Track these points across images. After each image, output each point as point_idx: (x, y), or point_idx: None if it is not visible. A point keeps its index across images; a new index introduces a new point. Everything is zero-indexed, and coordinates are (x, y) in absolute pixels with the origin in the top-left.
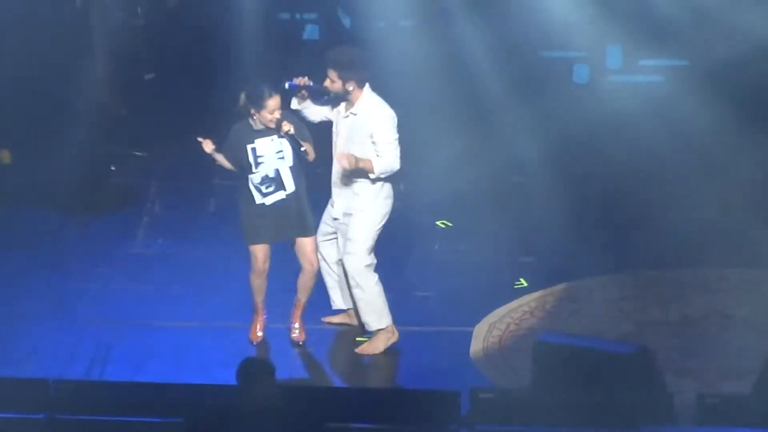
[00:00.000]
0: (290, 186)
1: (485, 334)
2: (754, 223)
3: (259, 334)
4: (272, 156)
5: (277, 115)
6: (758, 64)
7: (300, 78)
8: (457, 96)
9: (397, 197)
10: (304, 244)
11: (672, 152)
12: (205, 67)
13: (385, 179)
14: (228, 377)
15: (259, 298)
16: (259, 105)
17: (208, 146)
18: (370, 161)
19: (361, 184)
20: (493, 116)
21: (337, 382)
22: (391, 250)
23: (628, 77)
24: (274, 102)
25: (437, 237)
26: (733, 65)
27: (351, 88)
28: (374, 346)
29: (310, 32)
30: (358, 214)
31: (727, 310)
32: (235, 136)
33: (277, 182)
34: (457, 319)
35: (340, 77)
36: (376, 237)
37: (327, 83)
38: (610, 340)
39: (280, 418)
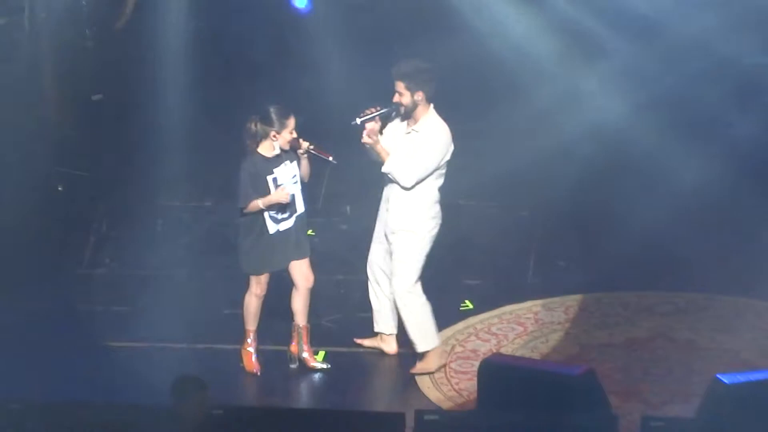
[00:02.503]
0: (301, 208)
1: None
2: (701, 246)
3: (256, 363)
4: (290, 182)
5: (295, 134)
6: None
7: (369, 109)
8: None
9: (344, 220)
10: (301, 264)
11: (616, 175)
12: (151, 88)
13: (433, 201)
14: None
15: (254, 326)
16: (283, 124)
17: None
18: (388, 153)
19: (408, 202)
20: None
21: (283, 402)
22: (338, 271)
23: None
24: (293, 120)
25: None
26: None
27: (419, 99)
28: (427, 366)
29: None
30: (405, 234)
31: (672, 333)
32: (254, 172)
33: (291, 208)
34: (402, 341)
35: (408, 88)
36: (424, 258)
37: (396, 98)
38: (556, 362)
39: None
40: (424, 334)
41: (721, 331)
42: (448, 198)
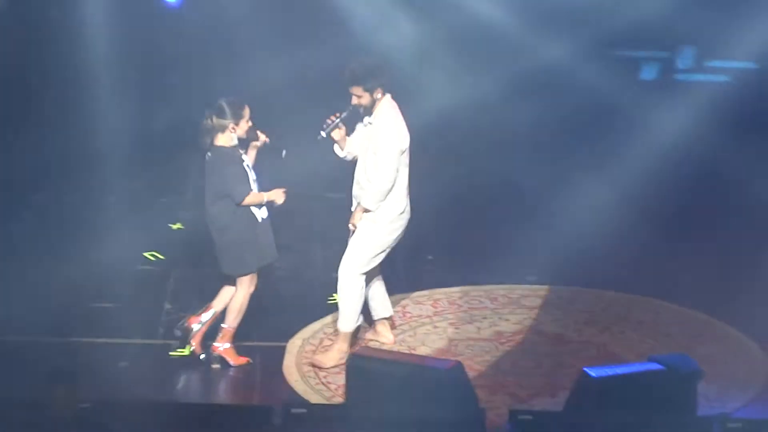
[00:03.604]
0: None
1: (298, 349)
2: (567, 241)
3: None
4: (252, 169)
5: (251, 123)
6: None
7: (330, 117)
8: (266, 105)
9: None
10: None
11: (483, 168)
12: (19, 81)
13: (401, 195)
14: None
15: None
16: (239, 116)
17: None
18: (362, 208)
19: None
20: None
21: (151, 396)
22: (207, 265)
23: None
24: (247, 109)
25: None
26: None
27: (379, 96)
28: (324, 360)
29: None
30: (368, 224)
31: (540, 326)
32: (231, 157)
33: None
34: (270, 334)
35: (366, 90)
36: (378, 251)
37: (355, 101)
38: (424, 356)
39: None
40: (350, 315)
41: (588, 324)
42: (315, 191)
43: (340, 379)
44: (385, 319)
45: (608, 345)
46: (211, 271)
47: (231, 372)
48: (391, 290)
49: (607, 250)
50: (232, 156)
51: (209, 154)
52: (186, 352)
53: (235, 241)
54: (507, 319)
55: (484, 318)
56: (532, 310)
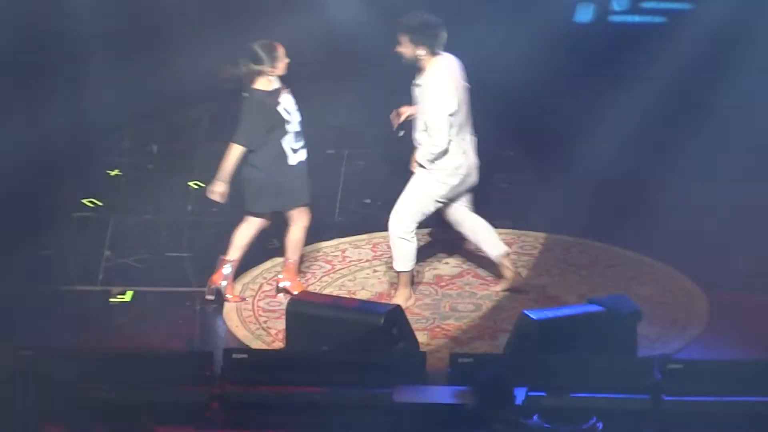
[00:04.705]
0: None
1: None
2: (505, 183)
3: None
4: (294, 110)
5: (287, 59)
6: None
7: (402, 113)
8: None
9: (151, 159)
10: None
11: None
12: None
13: (454, 152)
14: None
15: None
16: (275, 56)
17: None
18: (417, 159)
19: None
20: None
21: (94, 342)
22: (146, 211)
23: None
24: (282, 48)
25: (190, 198)
26: None
27: (422, 53)
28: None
29: None
30: (414, 178)
31: (479, 269)
32: (262, 104)
33: (302, 136)
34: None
35: (411, 42)
36: (430, 201)
37: (397, 48)
38: (363, 300)
39: (28, 381)
40: (404, 257)
41: (527, 266)
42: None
43: (280, 324)
44: (505, 255)
45: (547, 287)
46: (150, 217)
47: (170, 318)
48: (330, 235)
49: (541, 194)
50: (259, 103)
51: (245, 94)
52: (126, 298)
53: (261, 180)
54: (446, 262)
55: (423, 261)
56: (472, 253)
